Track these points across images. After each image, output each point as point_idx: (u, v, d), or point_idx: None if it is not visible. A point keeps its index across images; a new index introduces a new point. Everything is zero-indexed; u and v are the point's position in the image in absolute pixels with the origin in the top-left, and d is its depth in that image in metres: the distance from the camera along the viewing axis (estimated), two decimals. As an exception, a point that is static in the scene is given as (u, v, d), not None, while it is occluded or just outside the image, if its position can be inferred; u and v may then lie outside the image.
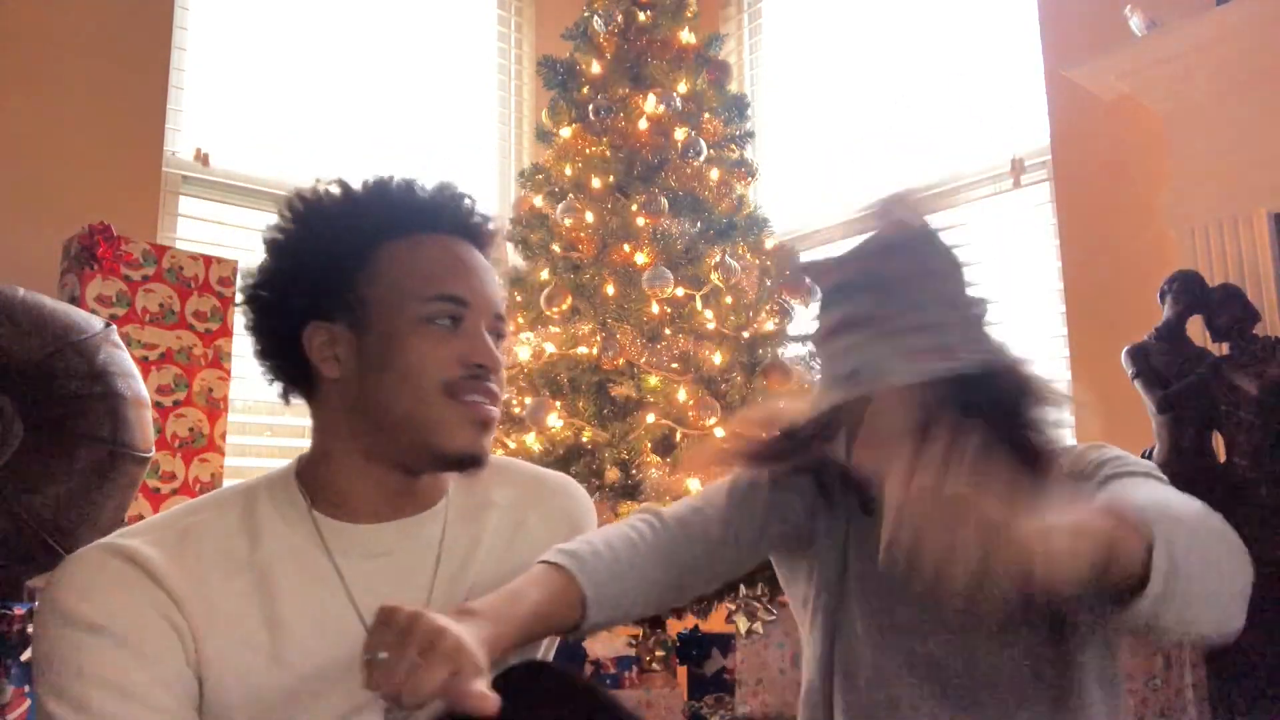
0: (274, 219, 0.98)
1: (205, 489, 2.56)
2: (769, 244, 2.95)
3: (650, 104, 2.89)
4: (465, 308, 0.93)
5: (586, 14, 3.09)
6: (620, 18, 3.03)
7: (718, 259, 2.73)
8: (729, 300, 2.76)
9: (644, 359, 2.63)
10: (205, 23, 3.30)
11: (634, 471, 2.53)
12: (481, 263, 0.98)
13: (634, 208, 2.78)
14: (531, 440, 2.61)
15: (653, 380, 2.61)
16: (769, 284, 2.86)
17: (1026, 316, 3.02)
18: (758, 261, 2.87)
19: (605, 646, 2.46)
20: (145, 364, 2.46)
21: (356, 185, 0.97)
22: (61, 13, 2.93)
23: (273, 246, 0.96)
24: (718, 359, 2.67)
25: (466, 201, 0.99)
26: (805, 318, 2.95)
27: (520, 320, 2.82)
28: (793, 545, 1.14)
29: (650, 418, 2.59)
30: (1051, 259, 3.00)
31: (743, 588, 2.27)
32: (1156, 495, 0.90)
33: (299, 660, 0.88)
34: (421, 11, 3.84)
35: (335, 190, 0.97)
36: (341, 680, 0.88)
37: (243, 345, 1.06)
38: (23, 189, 2.77)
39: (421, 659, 0.71)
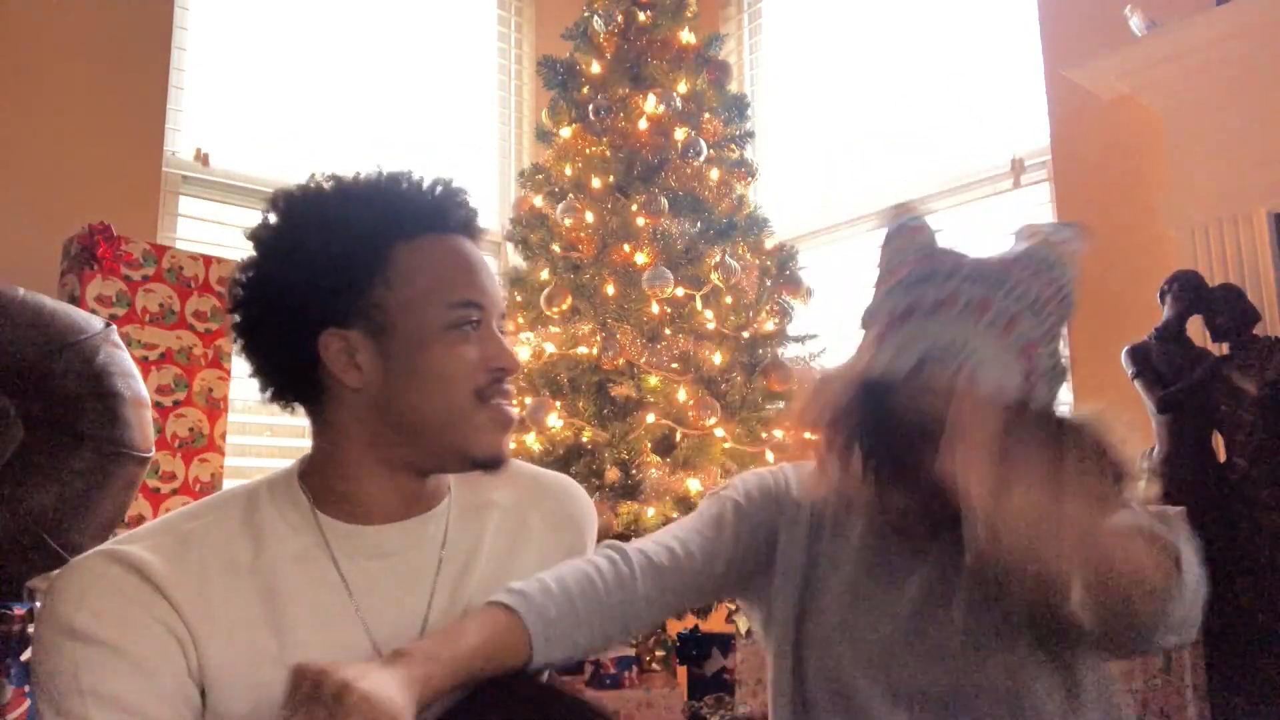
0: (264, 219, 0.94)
1: (205, 489, 2.56)
2: (769, 244, 2.96)
3: (650, 104, 2.89)
4: (482, 310, 0.93)
5: (586, 14, 3.09)
6: (620, 18, 3.03)
7: (718, 259, 2.73)
8: (729, 300, 2.76)
9: (644, 359, 2.63)
10: (205, 23, 3.30)
11: (634, 471, 2.53)
12: (486, 262, 0.98)
13: (634, 208, 2.78)
14: (531, 440, 2.61)
15: (653, 380, 2.62)
16: (769, 284, 2.86)
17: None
18: (758, 261, 2.87)
19: (605, 646, 2.45)
20: (145, 364, 2.46)
21: (353, 184, 0.94)
22: (61, 13, 2.93)
23: (273, 251, 0.92)
24: (718, 359, 2.67)
25: (468, 199, 0.98)
26: (802, 318, 2.95)
27: (520, 320, 2.82)
28: (750, 580, 1.15)
29: (650, 418, 2.59)
30: (1051, 259, 3.00)
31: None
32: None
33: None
34: (421, 11, 3.84)
35: (333, 189, 0.93)
36: None
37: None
38: (23, 189, 2.77)
39: (329, 717, 0.72)
